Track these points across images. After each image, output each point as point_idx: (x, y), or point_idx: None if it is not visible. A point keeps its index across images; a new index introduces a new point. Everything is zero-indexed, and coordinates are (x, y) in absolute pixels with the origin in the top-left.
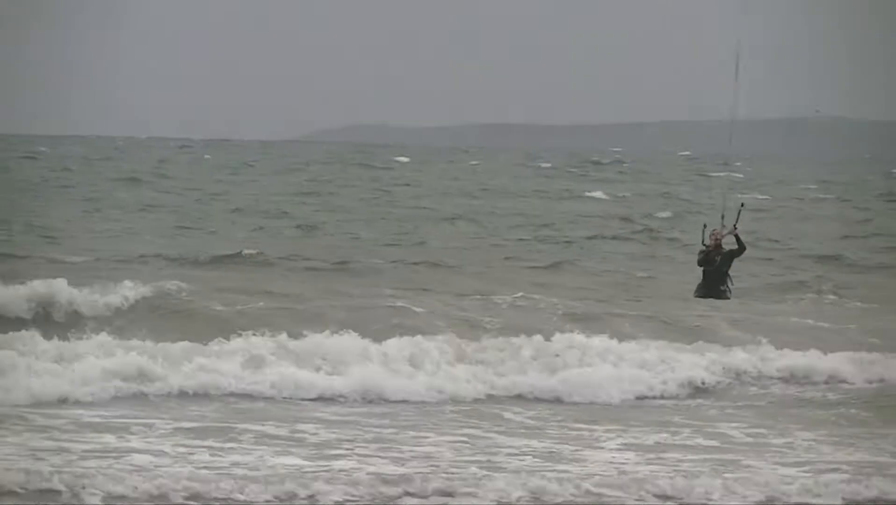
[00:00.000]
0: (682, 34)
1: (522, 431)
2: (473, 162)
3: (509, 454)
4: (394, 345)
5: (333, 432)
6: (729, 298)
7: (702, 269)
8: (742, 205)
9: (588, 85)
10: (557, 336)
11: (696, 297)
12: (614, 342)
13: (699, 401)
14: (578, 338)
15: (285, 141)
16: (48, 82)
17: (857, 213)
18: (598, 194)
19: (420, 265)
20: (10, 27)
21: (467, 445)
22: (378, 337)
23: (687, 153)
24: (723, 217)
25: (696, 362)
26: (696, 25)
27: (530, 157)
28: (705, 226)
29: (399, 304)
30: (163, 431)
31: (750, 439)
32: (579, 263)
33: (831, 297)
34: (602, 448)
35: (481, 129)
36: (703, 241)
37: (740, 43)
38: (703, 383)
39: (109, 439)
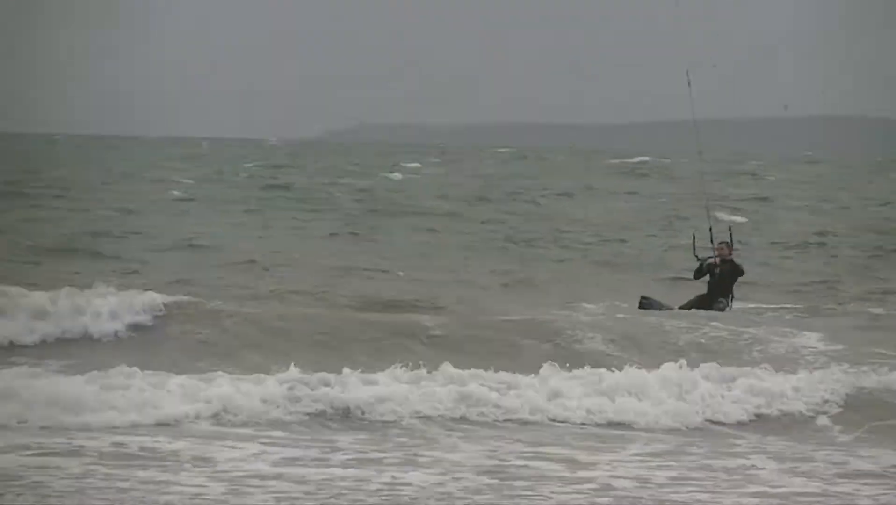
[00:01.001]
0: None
1: None
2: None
3: None
4: None
5: None
6: (723, 311)
7: (698, 280)
8: (730, 228)
9: (598, 84)
10: None
11: (683, 307)
12: None
13: None
14: None
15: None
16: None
17: None
18: None
19: None
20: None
21: None
22: None
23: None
24: (711, 230)
25: None
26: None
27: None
28: (695, 236)
29: None
30: None
31: None
32: None
33: None
34: None
35: (495, 128)
36: (694, 252)
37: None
38: None
39: None
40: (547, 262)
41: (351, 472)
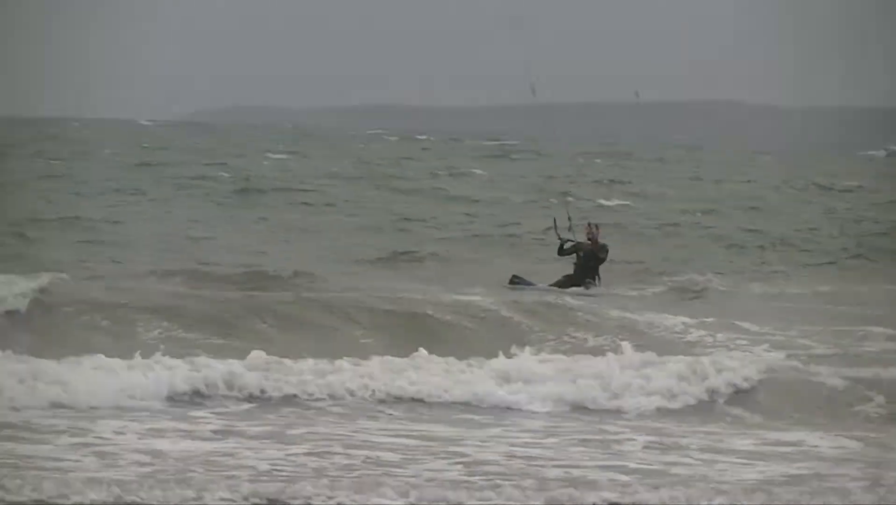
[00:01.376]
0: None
1: None
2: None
3: None
4: None
5: None
6: (594, 287)
7: (564, 257)
8: (589, 221)
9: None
10: None
11: (553, 285)
12: None
13: None
14: None
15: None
16: None
17: None
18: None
19: None
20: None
21: None
22: None
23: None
24: (570, 218)
25: None
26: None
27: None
28: (555, 220)
29: None
30: None
31: None
32: None
33: None
34: None
35: (360, 112)
36: (556, 232)
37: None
38: None
39: None
40: (424, 240)
41: (218, 446)
